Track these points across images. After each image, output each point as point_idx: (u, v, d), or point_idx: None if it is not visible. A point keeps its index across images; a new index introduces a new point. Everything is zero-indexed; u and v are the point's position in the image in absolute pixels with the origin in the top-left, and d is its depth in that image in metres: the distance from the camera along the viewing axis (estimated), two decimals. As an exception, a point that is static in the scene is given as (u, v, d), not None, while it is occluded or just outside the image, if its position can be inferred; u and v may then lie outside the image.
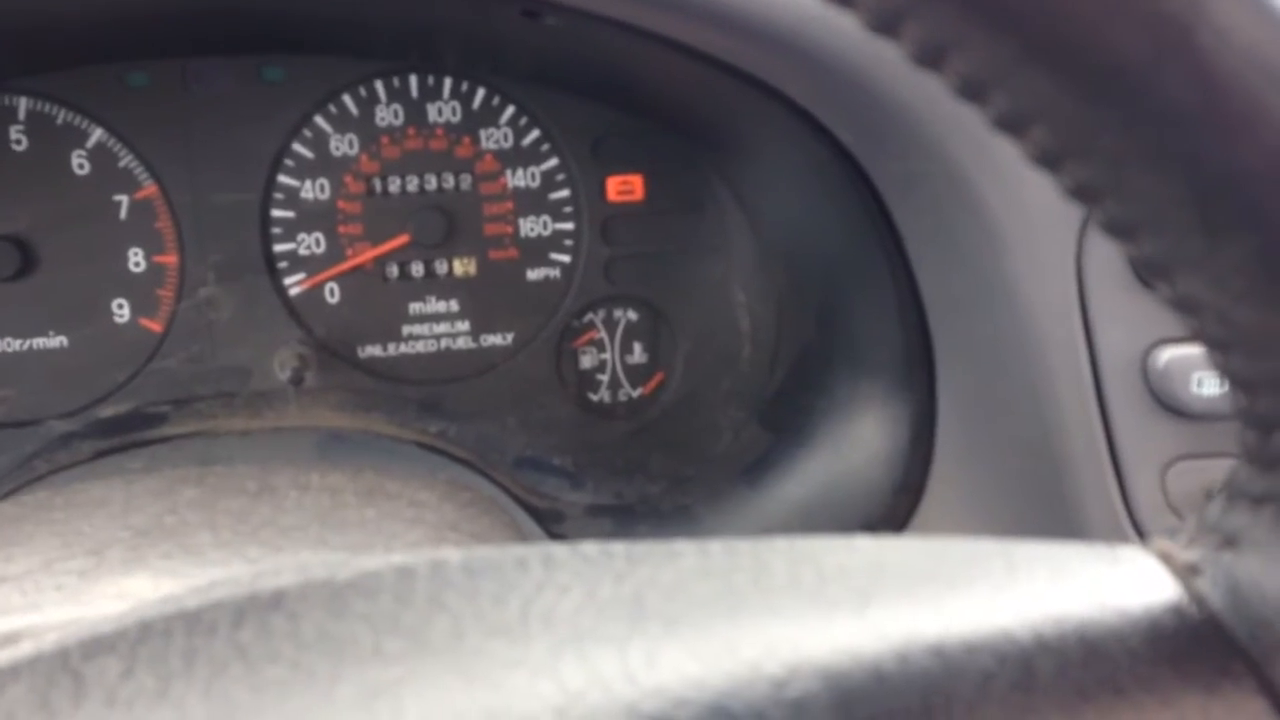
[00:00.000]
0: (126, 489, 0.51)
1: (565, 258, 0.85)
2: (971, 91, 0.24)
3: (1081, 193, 0.26)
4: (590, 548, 0.28)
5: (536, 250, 0.84)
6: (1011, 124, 0.25)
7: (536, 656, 0.24)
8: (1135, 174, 0.24)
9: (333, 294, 0.83)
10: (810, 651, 0.25)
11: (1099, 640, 0.26)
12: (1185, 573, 0.27)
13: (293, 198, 0.81)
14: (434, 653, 0.24)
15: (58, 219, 0.78)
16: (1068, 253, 0.56)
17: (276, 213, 0.81)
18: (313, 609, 0.26)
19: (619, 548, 0.28)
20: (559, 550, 0.28)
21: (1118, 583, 0.27)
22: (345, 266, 0.82)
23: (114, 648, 0.25)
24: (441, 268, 0.84)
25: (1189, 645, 0.26)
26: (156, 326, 0.80)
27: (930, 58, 0.24)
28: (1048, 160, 0.25)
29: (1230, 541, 0.27)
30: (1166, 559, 0.28)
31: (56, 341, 0.79)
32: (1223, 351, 0.25)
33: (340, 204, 0.82)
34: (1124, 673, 0.26)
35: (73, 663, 0.25)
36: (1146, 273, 0.26)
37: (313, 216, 0.81)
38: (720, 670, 0.24)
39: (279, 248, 0.81)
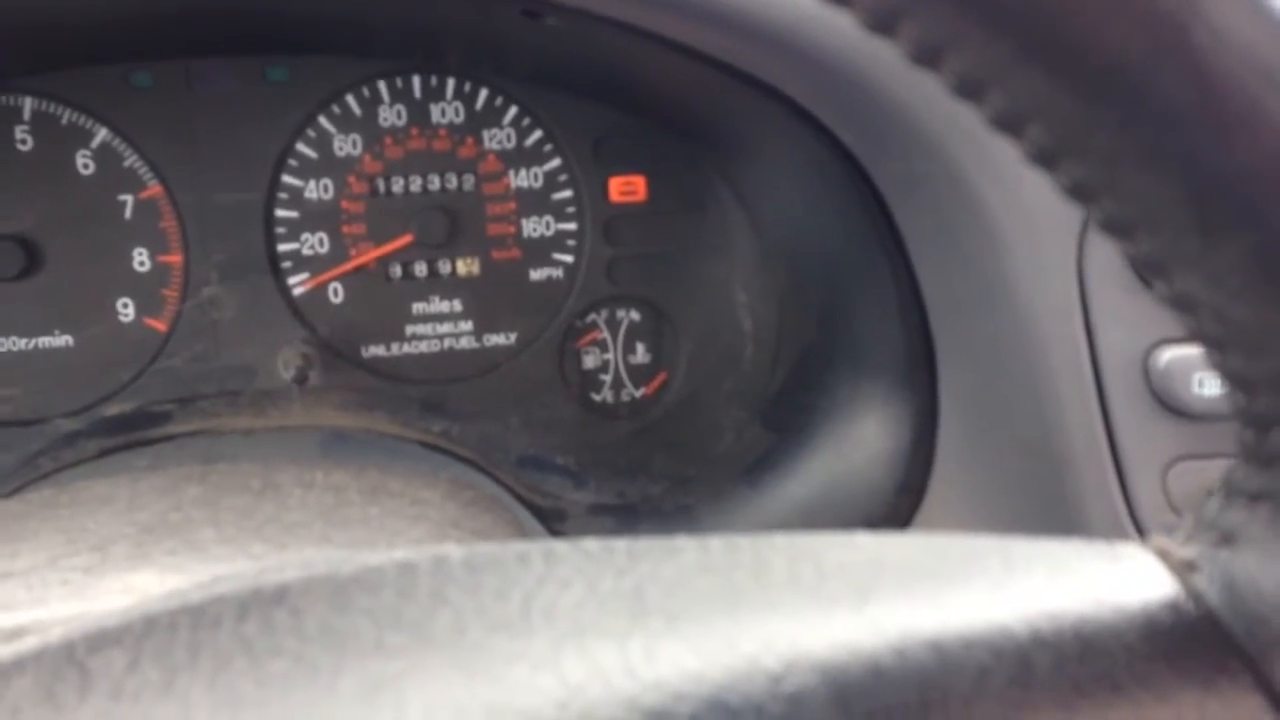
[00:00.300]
0: (131, 486, 0.51)
1: (568, 258, 0.85)
2: (968, 90, 0.25)
3: (1078, 191, 0.26)
4: (592, 544, 0.28)
5: (539, 250, 0.85)
6: (1008, 123, 0.25)
7: (538, 650, 0.24)
8: (1132, 173, 0.24)
9: (336, 294, 0.83)
10: (808, 646, 0.25)
11: (1095, 636, 0.26)
12: (1182, 569, 0.27)
13: (296, 198, 0.81)
14: (436, 647, 0.25)
15: (63, 218, 0.78)
16: (1068, 253, 0.56)
17: (280, 213, 0.81)
18: (316, 603, 0.26)
19: (620, 544, 0.28)
20: (561, 546, 0.28)
21: (1115, 579, 0.27)
22: (349, 266, 0.82)
23: (119, 641, 0.26)
24: (445, 268, 0.84)
25: (1186, 641, 0.26)
26: (161, 326, 0.80)
27: (927, 57, 0.24)
28: (1045, 159, 0.25)
29: (1227, 539, 0.27)
30: (1164, 556, 0.28)
31: (62, 340, 0.79)
32: (1220, 350, 0.26)
33: (344, 204, 0.82)
34: (1120, 668, 0.26)
35: (78, 656, 0.26)
36: (1144, 271, 0.26)
37: (316, 216, 0.82)
38: (719, 664, 0.24)
39: (283, 247, 0.81)
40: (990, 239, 0.58)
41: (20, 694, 0.25)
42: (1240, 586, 0.27)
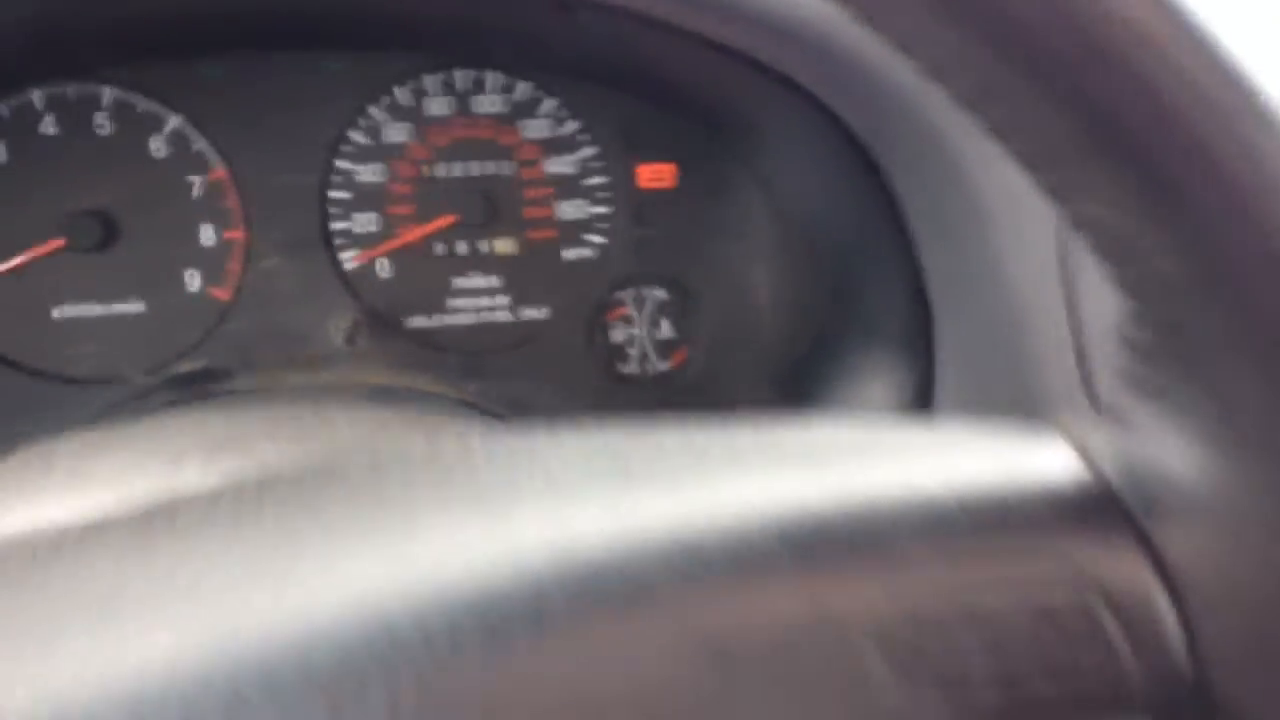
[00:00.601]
0: (200, 419, 0.57)
1: (599, 239, 0.91)
2: (904, 48, 0.30)
3: (997, 132, 0.31)
4: (589, 431, 0.34)
5: (573, 232, 0.91)
6: (936, 74, 0.30)
7: (536, 496, 0.30)
8: (1033, 113, 0.29)
9: (384, 269, 0.89)
10: (766, 504, 0.30)
11: (1008, 503, 0.31)
12: (1087, 450, 0.32)
13: (349, 180, 0.88)
14: (455, 490, 0.30)
15: (138, 197, 0.85)
16: (1049, 229, 0.61)
17: (334, 194, 0.88)
18: (358, 471, 0.32)
19: (615, 430, 0.34)
20: (564, 431, 0.34)
21: (1029, 457, 0.32)
22: (396, 244, 0.89)
23: (198, 501, 0.32)
24: (484, 247, 0.90)
25: (1086, 511, 0.31)
26: (225, 295, 0.87)
27: (868, 19, 0.30)
28: (968, 104, 0.31)
29: (1123, 423, 0.32)
30: (1071, 437, 0.33)
31: (135, 307, 0.86)
32: (1113, 262, 0.31)
33: (392, 187, 0.88)
34: (1029, 532, 0.31)
35: (162, 509, 0.31)
36: (1050, 198, 0.32)
37: (367, 198, 0.88)
38: (690, 515, 0.30)
39: (336, 225, 0.88)
40: (979, 215, 0.63)
41: (116, 531, 0.31)
42: (1134, 467, 0.32)
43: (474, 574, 0.28)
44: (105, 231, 0.84)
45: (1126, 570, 0.31)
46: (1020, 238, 0.62)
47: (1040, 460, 0.32)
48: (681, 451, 0.33)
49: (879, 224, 0.73)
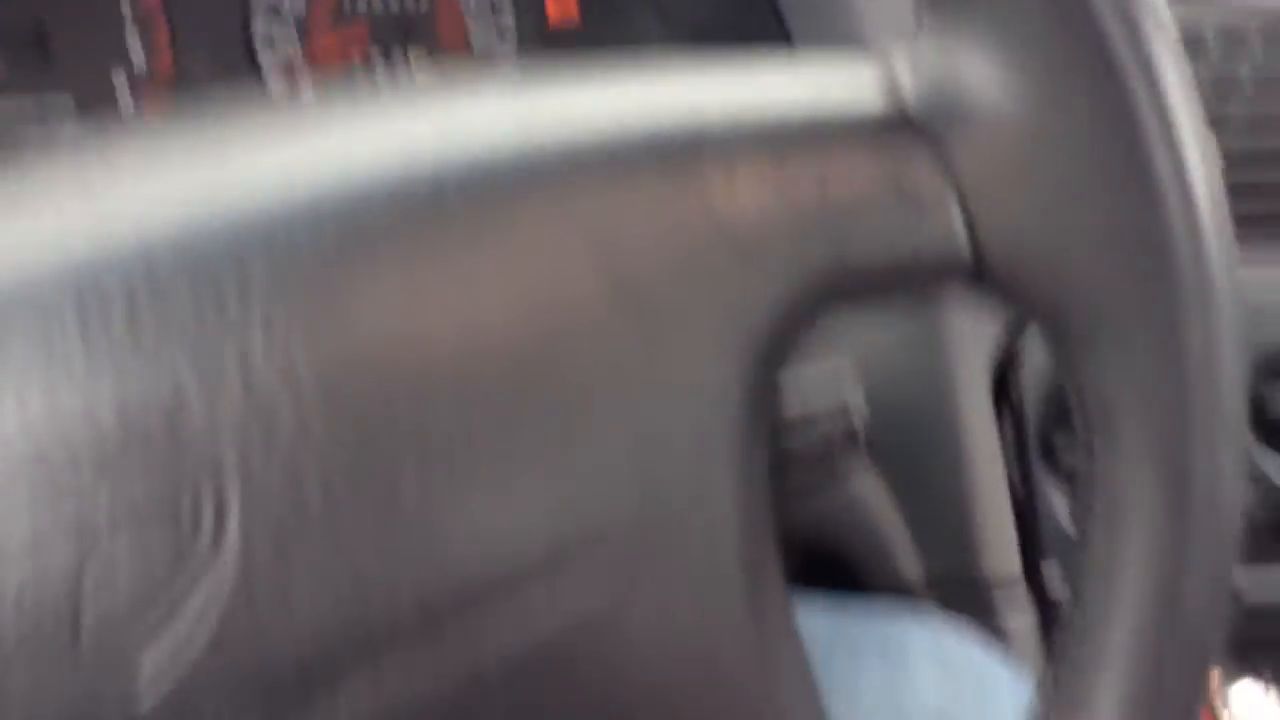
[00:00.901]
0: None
1: (508, 62, 0.98)
2: None
3: None
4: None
5: (483, 56, 0.98)
6: None
7: (438, 109, 0.37)
8: None
9: (305, 86, 0.95)
10: (631, 115, 0.38)
11: (823, 112, 0.38)
12: (894, 77, 0.40)
13: (271, 4, 0.93)
14: (368, 108, 0.38)
15: (70, 16, 0.89)
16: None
17: (257, 16, 0.93)
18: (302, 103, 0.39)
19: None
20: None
21: (845, 82, 0.40)
22: (315, 64, 0.94)
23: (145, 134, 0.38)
24: (401, 67, 0.96)
25: (889, 125, 0.38)
26: (156, 107, 0.92)
27: None
28: None
29: (925, 55, 0.40)
30: (883, 67, 0.40)
31: (65, 113, 0.90)
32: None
33: (312, 11, 0.94)
34: (838, 134, 0.38)
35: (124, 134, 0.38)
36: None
37: (287, 21, 0.93)
38: (571, 122, 0.37)
39: (259, 45, 0.93)
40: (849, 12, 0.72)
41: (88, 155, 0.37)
42: (933, 91, 0.39)
43: (378, 164, 0.34)
44: (38, 47, 0.88)
45: (920, 174, 0.38)
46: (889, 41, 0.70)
47: (853, 84, 0.39)
48: (566, 81, 0.40)
49: (761, 27, 0.82)
